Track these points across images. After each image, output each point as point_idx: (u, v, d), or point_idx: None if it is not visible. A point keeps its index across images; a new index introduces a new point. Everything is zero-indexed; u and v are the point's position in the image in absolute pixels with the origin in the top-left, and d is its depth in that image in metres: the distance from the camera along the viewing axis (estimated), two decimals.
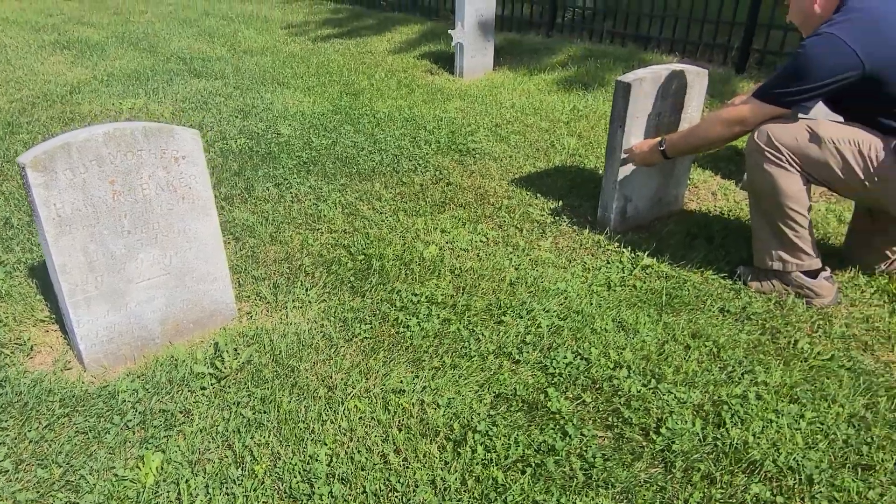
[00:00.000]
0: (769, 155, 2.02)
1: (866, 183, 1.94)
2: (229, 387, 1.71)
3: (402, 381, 1.74)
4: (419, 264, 2.34)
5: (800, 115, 2.04)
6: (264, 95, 4.38)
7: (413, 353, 1.86)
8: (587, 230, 2.63)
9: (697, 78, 2.58)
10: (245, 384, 1.72)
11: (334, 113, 4.01)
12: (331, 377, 1.75)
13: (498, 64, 5.34)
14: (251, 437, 1.54)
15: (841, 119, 2.03)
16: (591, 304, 2.10)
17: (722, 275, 2.28)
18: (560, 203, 2.84)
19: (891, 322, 2.00)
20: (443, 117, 3.91)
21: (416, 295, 2.14)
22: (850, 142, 1.93)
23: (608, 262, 2.39)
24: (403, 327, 1.98)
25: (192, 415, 1.62)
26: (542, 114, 3.95)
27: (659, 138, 2.36)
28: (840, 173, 1.95)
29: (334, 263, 2.34)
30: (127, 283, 1.79)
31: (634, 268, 2.35)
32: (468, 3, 4.96)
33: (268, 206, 2.78)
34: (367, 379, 1.75)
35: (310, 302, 2.10)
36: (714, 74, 4.41)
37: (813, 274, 2.10)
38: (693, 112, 2.64)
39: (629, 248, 2.47)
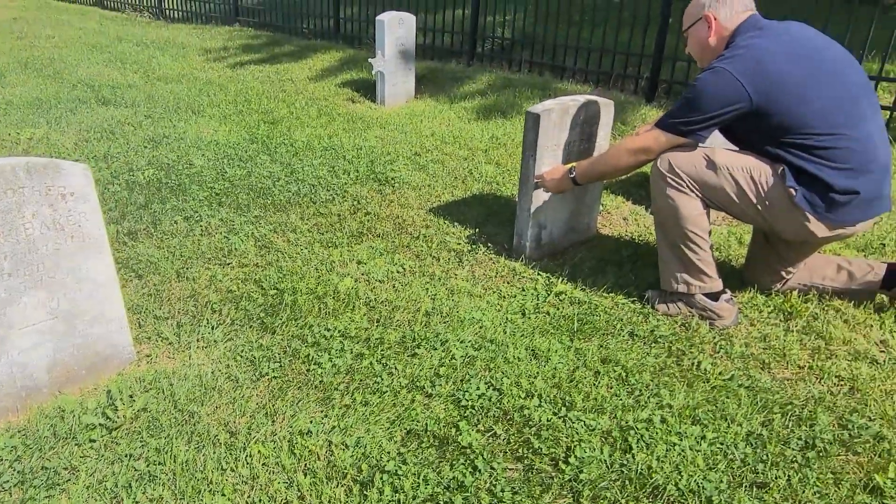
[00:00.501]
0: (671, 181, 2.10)
1: (758, 207, 2.04)
2: (121, 438, 1.60)
3: (310, 422, 1.68)
4: (334, 297, 2.29)
5: (700, 144, 2.14)
6: (177, 124, 4.24)
7: (323, 391, 1.81)
8: (503, 258, 2.65)
9: (604, 108, 2.68)
10: (139, 434, 1.61)
11: (251, 142, 3.93)
12: (234, 421, 1.67)
13: (420, 92, 5.39)
14: (143, 492, 1.44)
15: (735, 148, 2.14)
16: (506, 332, 2.11)
17: (632, 299, 2.34)
18: (477, 231, 2.87)
19: (786, 340, 2.10)
20: (363, 146, 3.90)
21: (329, 330, 2.09)
22: (743, 168, 2.04)
23: (523, 290, 2.41)
24: (314, 364, 1.92)
25: (79, 471, 1.50)
26: (462, 142, 4.00)
27: (570, 165, 2.42)
28: (735, 198, 2.06)
29: (244, 299, 2.26)
30: (8, 330, 1.66)
31: (549, 294, 2.38)
32: (388, 33, 5.00)
33: (175, 240, 2.67)
34: (272, 421, 1.68)
35: (215, 341, 2.01)
36: (626, 103, 4.61)
37: (715, 296, 2.19)
38: (601, 141, 2.73)
39: (544, 275, 2.50)
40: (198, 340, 2.01)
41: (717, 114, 1.97)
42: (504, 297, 2.38)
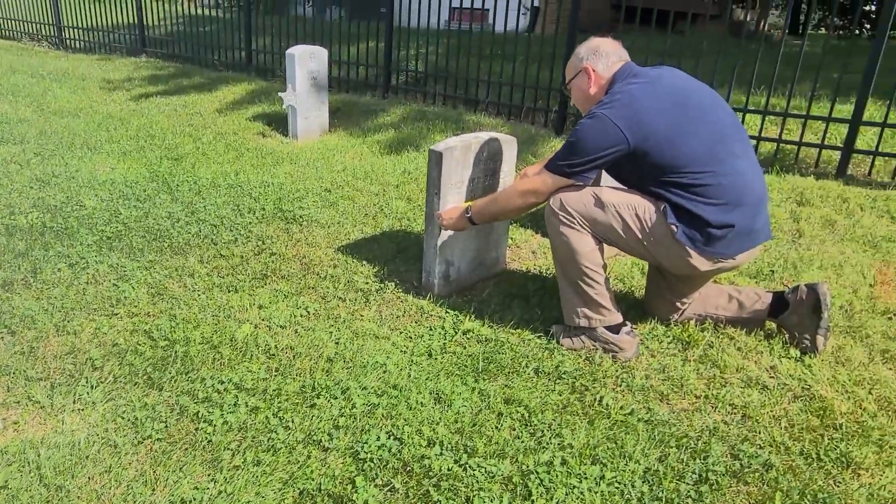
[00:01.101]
0: (563, 219, 2.15)
1: (644, 243, 2.11)
2: None
3: (194, 488, 1.56)
4: (230, 346, 2.18)
5: (589, 184, 2.19)
6: (70, 162, 4.00)
7: (212, 451, 1.70)
8: (412, 296, 2.61)
9: (507, 145, 2.71)
10: None
11: (151, 180, 3.75)
12: (109, 492, 1.54)
13: (334, 125, 5.34)
14: None
15: (622, 186, 2.21)
16: (410, 376, 2.06)
17: (538, 334, 2.35)
18: (386, 269, 2.82)
19: (684, 370, 2.15)
20: (271, 182, 3.79)
21: (222, 382, 1.98)
22: (628, 206, 2.10)
23: (430, 329, 2.38)
24: (204, 422, 1.80)
25: None
26: (374, 177, 3.96)
27: (467, 204, 2.43)
28: (622, 234, 2.12)
29: (130, 353, 2.11)
30: None
31: (456, 333, 2.35)
32: (299, 66, 4.94)
33: (57, 290, 2.48)
34: (152, 490, 1.56)
35: (94, 402, 1.86)
36: (536, 135, 4.72)
37: (616, 329, 2.23)
38: (506, 177, 2.76)
39: (452, 313, 2.48)
40: (73, 402, 1.86)
41: (598, 156, 2.04)
42: (411, 337, 2.33)
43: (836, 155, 3.88)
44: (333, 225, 3.25)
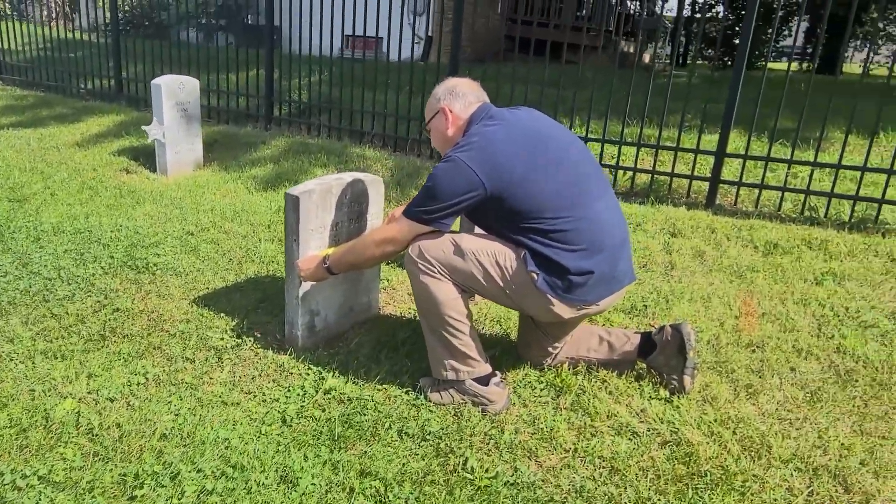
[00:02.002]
0: (422, 267, 2.02)
1: (506, 291, 2.02)
2: None
3: None
4: (43, 428, 1.87)
5: (450, 230, 2.08)
6: None
7: None
8: (272, 352, 2.39)
9: (373, 186, 2.57)
10: None
11: None
12: None
13: (209, 159, 5.02)
14: None
15: (482, 232, 2.12)
16: (256, 451, 1.84)
17: (405, 389, 2.19)
18: (246, 322, 2.58)
19: (555, 420, 2.06)
20: (126, 226, 3.45)
21: (25, 476, 1.68)
22: (488, 253, 2.01)
23: (289, 390, 2.17)
24: None
25: None
26: (244, 217, 3.70)
27: (325, 253, 2.26)
28: (483, 282, 2.02)
29: None
30: None
31: (317, 393, 2.16)
32: (167, 96, 4.61)
33: None
34: None
35: None
36: (422, 167, 4.62)
37: (485, 380, 2.11)
38: (373, 219, 2.61)
39: (315, 369, 2.28)
40: None
41: (455, 202, 1.94)
42: (265, 401, 2.11)
43: (706, 185, 4.02)
44: (191, 273, 2.97)
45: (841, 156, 3.64)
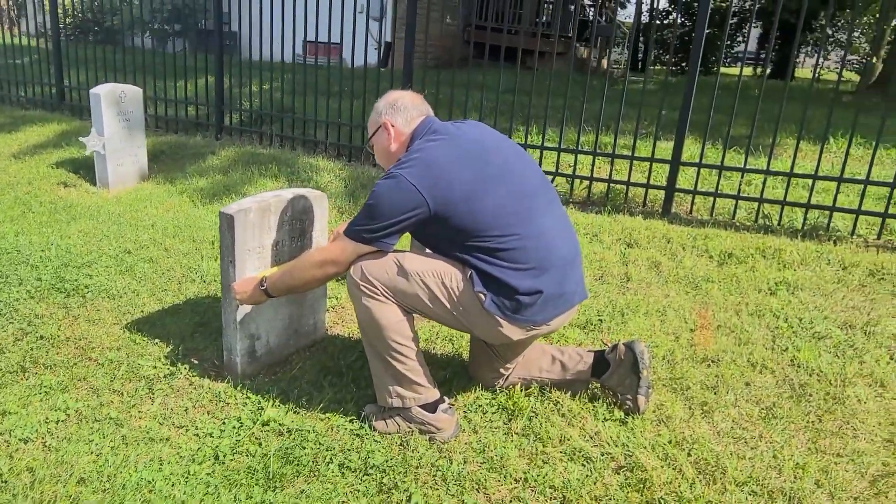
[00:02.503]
0: (364, 289, 1.91)
1: (453, 313, 1.93)
2: None
3: None
4: None
5: (393, 250, 1.97)
6: None
7: None
8: (209, 380, 2.25)
9: (316, 202, 2.44)
10: None
11: None
12: None
13: (156, 170, 4.82)
14: None
15: (429, 251, 2.02)
16: (183, 495, 1.70)
17: (349, 418, 2.08)
18: (182, 348, 2.43)
19: (505, 447, 1.97)
20: (57, 245, 3.25)
21: None
22: (434, 274, 1.91)
23: (224, 423, 2.03)
24: None
25: None
26: (187, 232, 3.53)
27: (262, 275, 2.13)
28: (429, 304, 1.92)
29: None
30: None
31: (254, 425, 2.02)
32: (107, 106, 4.41)
33: None
34: None
35: None
36: (377, 177, 4.50)
37: (432, 407, 2.01)
38: (318, 236, 2.49)
39: (254, 398, 2.15)
40: None
41: (397, 221, 1.84)
42: (199, 435, 1.97)
43: (662, 194, 4.00)
44: (126, 295, 2.80)
45: (793, 163, 3.66)
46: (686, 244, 3.46)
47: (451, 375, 2.34)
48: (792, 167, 3.67)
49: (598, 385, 2.24)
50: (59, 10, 11.15)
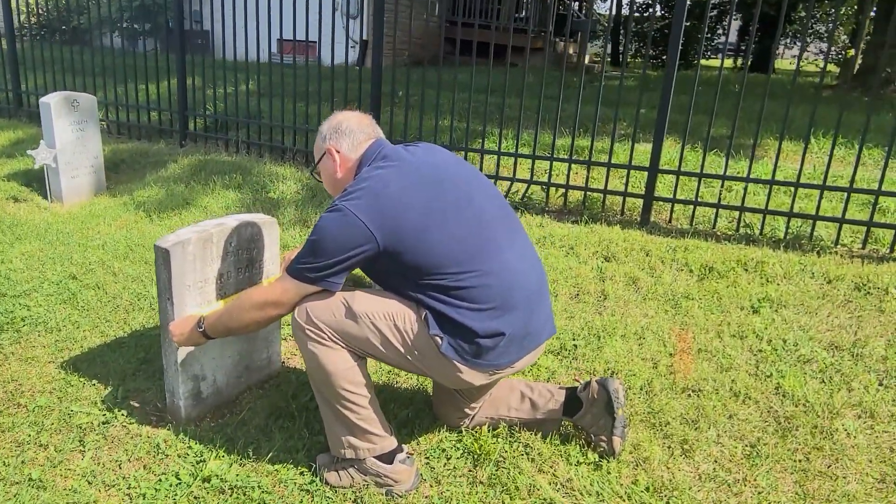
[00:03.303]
0: (310, 333, 1.73)
1: (408, 357, 1.75)
2: None
3: None
4: None
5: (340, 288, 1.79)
6: None
7: None
8: (149, 427, 2.06)
9: (267, 228, 2.26)
10: None
11: None
12: None
13: (116, 181, 4.60)
14: None
15: (380, 289, 1.84)
16: None
17: (300, 469, 1.90)
18: (121, 390, 2.24)
19: (469, 498, 1.80)
20: None
21: None
22: (385, 315, 1.74)
23: (161, 479, 1.85)
24: None
25: None
26: (139, 253, 3.32)
27: (200, 315, 1.95)
28: (382, 349, 1.75)
29: None
30: None
31: (194, 481, 1.84)
32: (58, 116, 4.17)
33: None
34: None
35: None
36: None
37: (389, 457, 1.84)
38: (269, 265, 2.30)
39: (196, 447, 1.97)
40: None
41: (343, 258, 1.67)
42: (131, 496, 1.78)
43: (640, 202, 3.85)
44: (65, 328, 2.60)
45: (774, 170, 3.52)
46: (665, 257, 3.31)
47: (414, 414, 2.17)
48: (773, 173, 3.53)
49: (570, 424, 2.08)
50: (23, 9, 10.77)
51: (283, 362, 2.49)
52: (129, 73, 5.62)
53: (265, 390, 2.31)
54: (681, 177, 3.79)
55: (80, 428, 2.04)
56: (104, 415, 2.11)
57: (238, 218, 2.19)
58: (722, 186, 3.62)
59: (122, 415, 2.11)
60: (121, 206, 4.09)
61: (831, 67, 15.71)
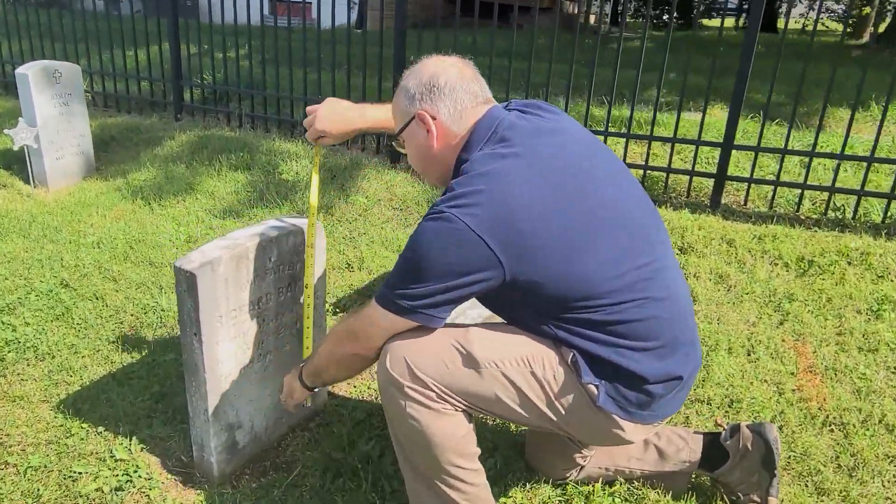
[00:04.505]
0: (411, 391, 1.29)
1: (548, 414, 1.32)
2: None
3: None
4: None
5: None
6: None
7: None
8: (175, 490, 1.62)
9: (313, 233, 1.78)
10: None
11: None
12: None
13: (105, 161, 4.07)
14: None
15: (497, 319, 1.39)
16: None
17: None
18: (135, 440, 1.79)
19: None
20: None
21: None
22: (518, 362, 1.29)
23: None
24: None
25: None
26: (141, 251, 2.84)
27: (298, 369, 1.57)
28: (514, 406, 1.31)
29: None
30: None
31: None
32: (38, 89, 3.64)
33: None
34: None
35: None
36: (364, 164, 3.81)
37: None
38: (316, 278, 1.84)
39: None
40: None
41: (453, 286, 1.21)
42: None
43: (709, 182, 3.39)
44: (60, 354, 2.13)
45: (874, 147, 3.07)
46: (752, 248, 2.87)
47: (503, 464, 1.74)
48: (873, 151, 3.08)
49: (701, 474, 1.67)
50: None
51: (329, 393, 2.05)
52: (114, 38, 5.02)
53: (311, 432, 1.88)
54: (759, 154, 3.32)
55: (87, 499, 1.60)
56: (116, 478, 1.66)
57: (276, 225, 1.72)
58: (809, 164, 3.16)
59: (140, 476, 1.66)
60: (114, 191, 3.58)
61: (835, 26, 15.13)
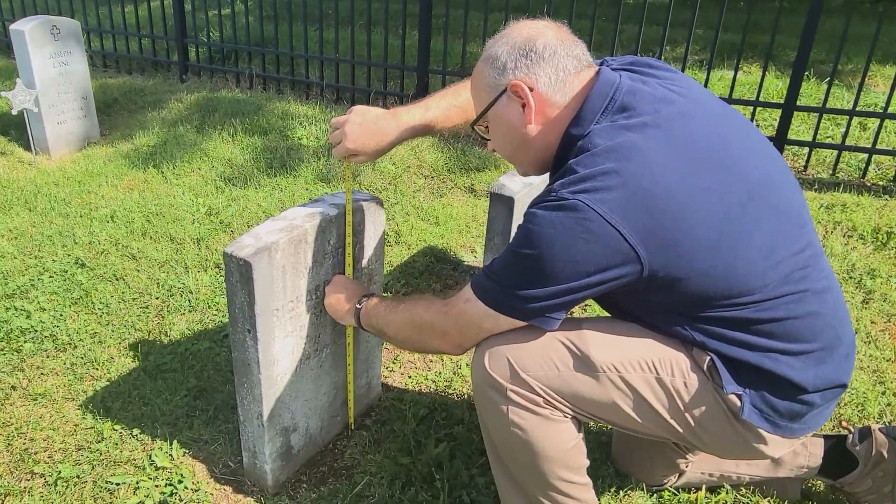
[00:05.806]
0: (514, 395, 1.10)
1: (674, 426, 1.13)
2: None
3: None
4: None
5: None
6: None
7: None
8: (224, 500, 1.44)
9: (370, 213, 1.56)
10: None
11: None
12: None
13: (110, 126, 3.80)
14: None
15: (614, 318, 1.19)
16: None
17: None
18: (176, 444, 1.59)
19: None
20: None
21: None
22: (641, 366, 1.09)
23: None
24: None
25: None
26: (160, 225, 2.60)
27: (360, 293, 1.40)
28: (635, 415, 1.12)
29: None
30: None
31: None
32: (35, 47, 3.35)
33: None
34: None
35: None
36: None
37: None
38: (374, 264, 1.63)
39: None
40: None
41: (580, 286, 1.01)
42: None
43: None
44: (82, 344, 1.91)
45: None
46: (822, 219, 2.66)
47: (593, 468, 1.55)
48: None
49: (823, 484, 1.49)
50: None
51: (382, 384, 1.85)
52: None
53: (370, 431, 1.68)
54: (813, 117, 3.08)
55: None
56: (158, 489, 1.47)
57: (334, 202, 1.49)
58: (880, 127, 2.92)
59: (185, 487, 1.47)
60: (122, 158, 3.32)
61: None
